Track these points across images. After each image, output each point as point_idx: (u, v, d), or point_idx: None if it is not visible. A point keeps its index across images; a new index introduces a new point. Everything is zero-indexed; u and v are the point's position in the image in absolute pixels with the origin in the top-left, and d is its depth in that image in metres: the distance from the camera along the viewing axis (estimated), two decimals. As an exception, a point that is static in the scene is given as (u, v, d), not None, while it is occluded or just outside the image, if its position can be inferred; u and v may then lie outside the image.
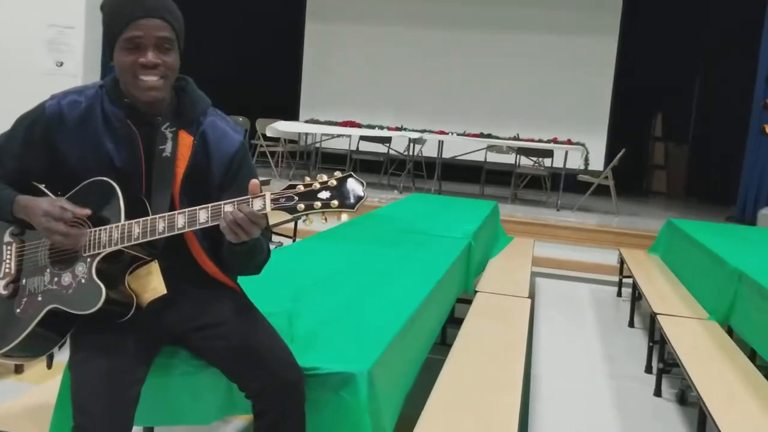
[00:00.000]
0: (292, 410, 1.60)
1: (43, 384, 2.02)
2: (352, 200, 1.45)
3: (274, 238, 5.96)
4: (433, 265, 2.97)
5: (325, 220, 1.48)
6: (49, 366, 3.02)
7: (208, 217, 1.50)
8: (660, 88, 10.58)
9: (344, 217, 1.46)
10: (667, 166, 11.22)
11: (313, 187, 1.45)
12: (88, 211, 1.55)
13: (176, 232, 1.52)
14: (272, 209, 1.46)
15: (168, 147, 1.65)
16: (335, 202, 1.44)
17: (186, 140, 1.66)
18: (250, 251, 1.61)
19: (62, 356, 1.72)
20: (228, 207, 1.48)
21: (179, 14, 1.63)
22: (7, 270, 1.63)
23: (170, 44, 1.58)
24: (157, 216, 1.53)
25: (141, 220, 1.53)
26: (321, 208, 1.44)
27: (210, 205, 1.50)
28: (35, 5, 7.38)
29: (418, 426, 1.92)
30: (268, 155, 9.31)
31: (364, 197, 1.46)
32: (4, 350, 1.58)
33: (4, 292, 1.62)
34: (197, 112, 1.71)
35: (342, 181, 1.46)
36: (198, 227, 1.52)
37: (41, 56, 7.43)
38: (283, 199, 1.45)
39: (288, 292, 2.29)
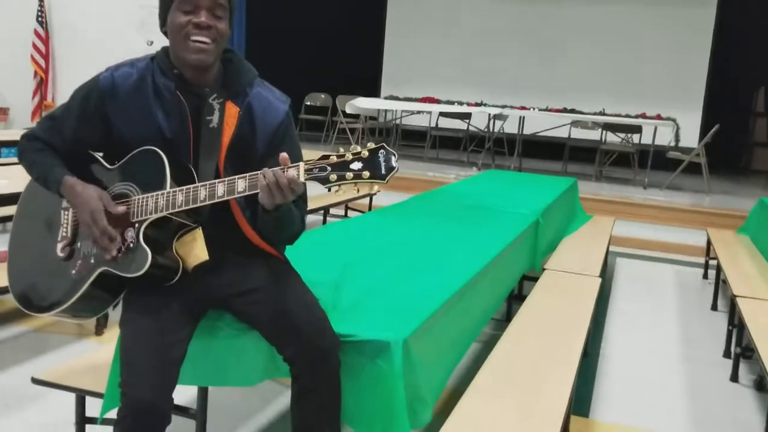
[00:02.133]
0: (327, 375, 1.62)
1: (110, 343, 2.13)
2: (383, 171, 1.46)
3: (349, 213, 6.04)
4: (492, 241, 2.91)
5: (358, 190, 1.49)
6: (104, 325, 3.18)
7: (246, 186, 1.54)
8: (763, 60, 9.90)
9: (376, 188, 1.46)
10: (769, 143, 10.56)
11: (345, 157, 1.47)
12: (124, 209, 1.62)
13: (217, 200, 1.57)
14: (306, 179, 1.49)
15: (215, 118, 1.69)
16: (367, 173, 1.45)
17: (232, 111, 1.70)
18: (282, 220, 1.63)
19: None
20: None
21: None
22: (64, 234, 1.72)
23: (223, 12, 1.63)
24: (199, 184, 1.58)
25: (184, 188, 1.58)
26: (353, 178, 1.46)
27: (248, 174, 1.54)
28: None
29: (465, 397, 1.90)
30: (348, 132, 9.39)
31: (395, 168, 1.46)
32: (59, 309, 1.68)
33: (62, 254, 1.71)
34: (244, 83, 1.74)
35: (374, 152, 1.47)
36: (237, 195, 1.56)
37: (133, 35, 7.78)
38: (317, 170, 1.47)
39: (339, 263, 2.30)
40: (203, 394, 2.01)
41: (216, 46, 1.63)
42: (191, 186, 1.58)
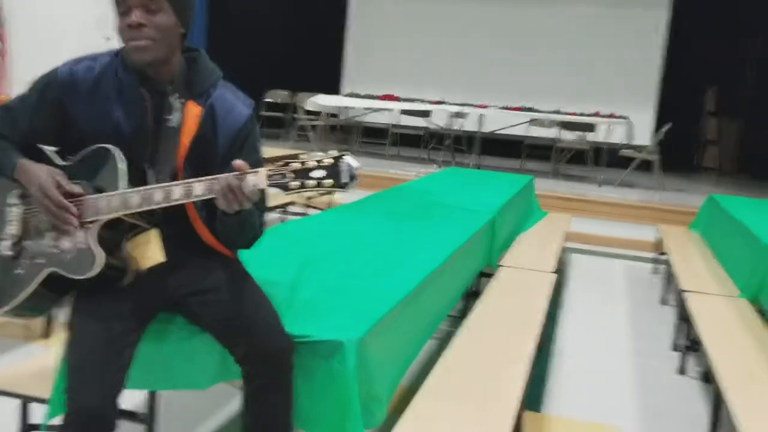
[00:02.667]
0: (280, 376, 1.62)
1: (57, 346, 2.09)
2: (345, 179, 1.45)
3: (309, 211, 6.02)
4: (449, 239, 2.94)
5: (319, 195, 1.49)
6: (52, 328, 3.11)
7: (203, 190, 1.51)
8: (714, 61, 10.17)
9: (337, 195, 1.47)
10: (719, 141, 10.83)
11: (307, 164, 1.45)
12: (79, 189, 1.57)
13: (172, 203, 1.54)
14: (267, 185, 1.47)
15: (175, 117, 1.66)
16: (329, 181, 1.44)
17: (194, 111, 1.67)
18: (242, 224, 1.62)
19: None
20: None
21: None
22: (11, 231, 1.67)
23: (156, 4, 1.56)
24: (155, 186, 1.55)
25: (140, 189, 1.55)
26: (315, 186, 1.45)
27: (207, 178, 1.51)
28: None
29: (419, 395, 1.92)
30: (309, 129, 9.35)
31: (357, 177, 1.46)
32: (5, 309, 1.64)
33: (9, 253, 1.65)
34: (207, 84, 1.71)
35: (337, 160, 1.45)
36: (194, 199, 1.53)
37: (90, 31, 7.62)
38: (278, 176, 1.46)
39: (297, 262, 2.30)
40: (153, 398, 1.99)
41: (157, 43, 1.57)
42: (147, 187, 1.55)
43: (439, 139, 9.48)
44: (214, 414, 2.52)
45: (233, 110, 1.72)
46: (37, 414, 1.87)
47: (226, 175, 1.48)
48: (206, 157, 1.68)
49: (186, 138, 1.66)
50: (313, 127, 9.42)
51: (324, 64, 11.13)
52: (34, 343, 3.02)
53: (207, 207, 1.69)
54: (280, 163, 1.47)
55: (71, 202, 1.58)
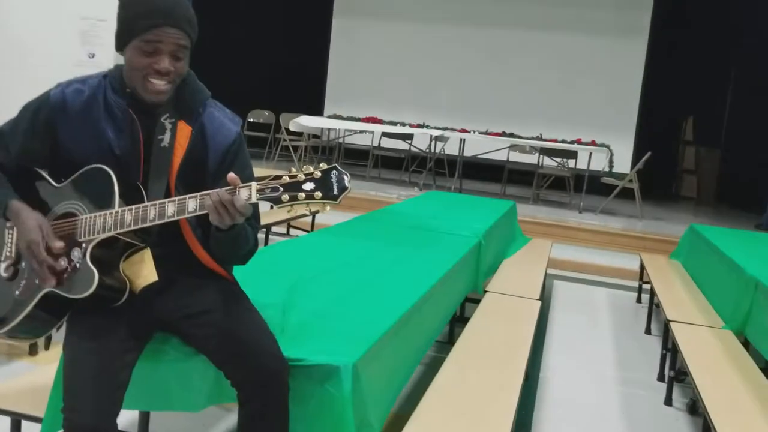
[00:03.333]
0: (275, 400, 1.60)
1: (49, 364, 2.05)
2: (336, 191, 1.46)
3: (291, 231, 5.99)
4: (436, 263, 2.93)
5: (309, 210, 1.48)
6: (47, 347, 3.06)
7: (196, 206, 1.52)
8: (692, 91, 10.38)
9: (328, 207, 1.46)
10: (697, 170, 11.01)
11: (297, 178, 1.47)
12: (61, 244, 1.58)
13: (167, 220, 1.54)
14: (258, 199, 1.48)
15: (166, 137, 1.67)
16: (319, 194, 1.45)
17: (185, 130, 1.69)
18: (235, 239, 1.62)
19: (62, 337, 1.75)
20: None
21: (196, 21, 1.66)
22: (8, 253, 1.67)
23: (184, 53, 1.63)
24: (149, 204, 1.55)
25: (133, 207, 1.55)
26: (305, 199, 1.46)
27: (199, 194, 1.52)
28: (67, -4, 7.50)
29: (410, 423, 1.90)
30: (291, 149, 9.34)
31: (348, 189, 1.47)
32: (2, 331, 1.62)
33: (5, 275, 1.66)
34: (196, 104, 1.73)
35: (327, 173, 1.47)
36: (187, 215, 1.54)
37: (74, 48, 7.54)
38: (269, 190, 1.47)
39: (286, 284, 2.28)
40: (144, 418, 1.96)
41: (174, 85, 1.64)
42: (141, 205, 1.55)
43: (420, 162, 9.52)
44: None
45: (222, 128, 1.74)
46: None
47: (218, 190, 1.49)
48: (198, 176, 1.70)
49: (177, 157, 1.68)
50: (296, 147, 9.42)
51: (306, 85, 11.18)
52: (20, 360, 2.96)
53: (202, 226, 1.69)
54: (271, 177, 1.48)
55: (63, 223, 1.60)
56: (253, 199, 1.47)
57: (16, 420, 1.89)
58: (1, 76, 7.95)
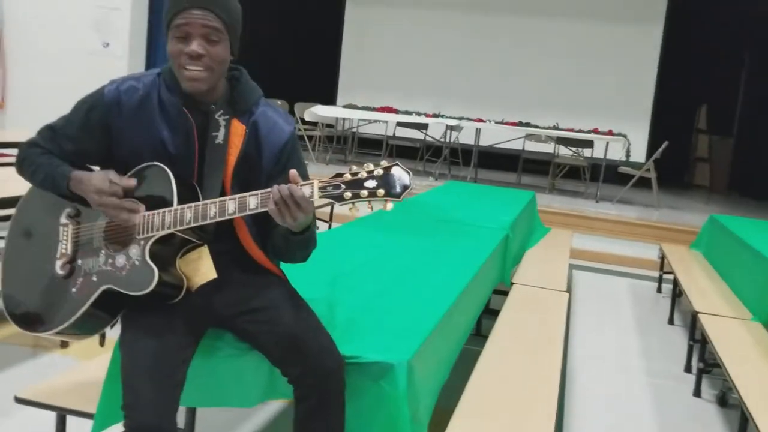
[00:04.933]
0: (332, 397, 1.61)
1: (91, 360, 2.07)
2: (398, 189, 1.45)
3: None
4: (470, 256, 2.95)
5: (371, 208, 1.49)
6: (102, 344, 3.10)
7: (258, 203, 1.51)
8: (705, 79, 10.33)
9: (390, 205, 1.46)
10: (710, 159, 10.97)
11: (359, 175, 1.46)
12: (133, 182, 1.59)
13: (227, 217, 1.54)
14: (320, 197, 1.47)
15: (221, 134, 1.67)
16: (381, 191, 1.45)
17: (238, 129, 1.69)
18: (306, 241, 1.64)
19: (112, 334, 1.77)
20: None
21: (232, 6, 1.64)
22: (63, 251, 1.67)
23: (218, 36, 1.59)
24: (209, 201, 1.55)
25: (193, 204, 1.55)
26: (367, 196, 1.45)
27: (260, 191, 1.52)
28: (82, -14, 7.50)
29: (455, 419, 1.92)
30: (306, 139, 9.35)
31: (410, 186, 1.46)
32: (59, 328, 1.63)
33: (61, 272, 1.66)
34: (250, 102, 1.73)
35: (388, 170, 1.47)
36: (248, 213, 1.53)
37: (88, 36, 7.55)
38: (331, 187, 1.47)
39: (325, 279, 2.30)
40: (191, 414, 1.98)
41: (212, 72, 1.60)
42: (200, 202, 1.55)
43: (435, 151, 9.52)
44: (249, 429, 2.49)
45: (275, 128, 1.74)
46: (74, 427, 1.84)
47: (280, 186, 1.48)
48: (251, 175, 1.70)
49: (232, 156, 1.68)
50: (310, 137, 9.42)
51: (319, 74, 11.15)
52: (49, 354, 2.99)
53: (257, 224, 1.70)
54: (332, 174, 1.48)
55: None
56: (315, 197, 1.46)
57: (62, 415, 1.91)
58: (17, 65, 7.99)
